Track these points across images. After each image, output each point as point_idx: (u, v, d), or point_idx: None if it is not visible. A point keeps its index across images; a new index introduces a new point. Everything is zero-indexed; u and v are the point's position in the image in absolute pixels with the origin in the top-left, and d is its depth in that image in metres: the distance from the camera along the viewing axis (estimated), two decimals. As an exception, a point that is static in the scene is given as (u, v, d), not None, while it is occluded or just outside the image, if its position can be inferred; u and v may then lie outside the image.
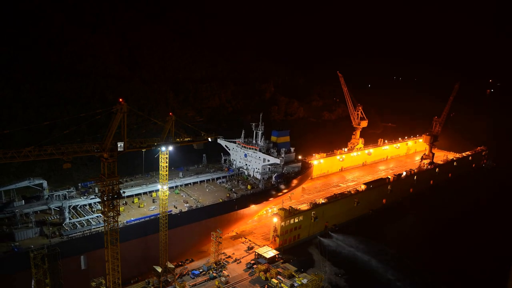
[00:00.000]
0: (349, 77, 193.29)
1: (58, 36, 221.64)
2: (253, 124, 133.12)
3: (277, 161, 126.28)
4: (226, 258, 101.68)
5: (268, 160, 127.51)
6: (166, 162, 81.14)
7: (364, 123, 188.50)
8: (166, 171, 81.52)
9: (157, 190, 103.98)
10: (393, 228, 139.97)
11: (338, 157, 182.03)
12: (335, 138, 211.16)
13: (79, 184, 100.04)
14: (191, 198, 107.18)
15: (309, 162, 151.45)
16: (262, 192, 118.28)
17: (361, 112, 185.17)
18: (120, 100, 63.93)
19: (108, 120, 64.91)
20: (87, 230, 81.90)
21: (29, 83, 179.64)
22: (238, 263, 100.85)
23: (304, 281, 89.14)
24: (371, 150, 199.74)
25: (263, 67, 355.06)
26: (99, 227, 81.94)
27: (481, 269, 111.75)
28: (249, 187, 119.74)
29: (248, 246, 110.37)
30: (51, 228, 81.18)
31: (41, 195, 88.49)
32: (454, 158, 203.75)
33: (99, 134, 77.60)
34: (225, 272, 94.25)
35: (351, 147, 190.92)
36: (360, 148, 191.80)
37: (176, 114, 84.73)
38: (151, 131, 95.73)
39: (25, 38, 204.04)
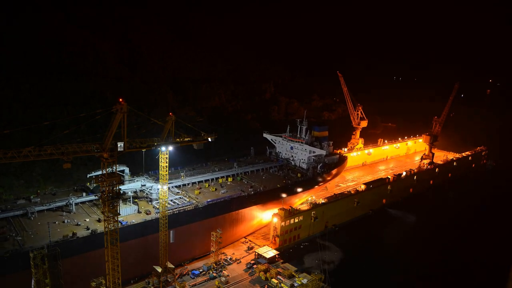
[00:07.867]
0: (349, 77, 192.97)
1: (58, 36, 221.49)
2: (298, 120, 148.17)
3: (323, 152, 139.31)
4: (225, 258, 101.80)
5: (314, 152, 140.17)
6: (166, 162, 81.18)
7: (364, 123, 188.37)
8: (166, 171, 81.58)
9: (222, 177, 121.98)
10: (393, 228, 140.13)
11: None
12: (335, 138, 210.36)
13: (150, 172, 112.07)
14: (253, 184, 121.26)
15: (345, 155, 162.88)
16: (311, 179, 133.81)
17: (361, 112, 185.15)
18: (120, 100, 63.94)
19: (108, 120, 64.87)
20: (175, 208, 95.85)
21: (29, 83, 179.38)
22: (238, 263, 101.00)
23: (304, 281, 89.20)
24: (371, 150, 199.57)
25: (263, 67, 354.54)
26: (184, 206, 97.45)
27: (481, 269, 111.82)
28: (299, 175, 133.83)
29: (248, 246, 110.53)
30: (143, 207, 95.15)
31: (123, 180, 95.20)
32: (454, 158, 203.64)
33: (99, 134, 77.65)
34: (225, 272, 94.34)
35: (351, 147, 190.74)
36: (360, 148, 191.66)
37: (176, 114, 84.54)
38: (151, 131, 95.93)
39: (25, 38, 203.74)
